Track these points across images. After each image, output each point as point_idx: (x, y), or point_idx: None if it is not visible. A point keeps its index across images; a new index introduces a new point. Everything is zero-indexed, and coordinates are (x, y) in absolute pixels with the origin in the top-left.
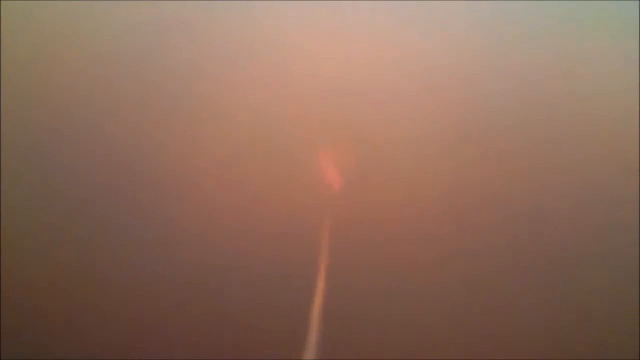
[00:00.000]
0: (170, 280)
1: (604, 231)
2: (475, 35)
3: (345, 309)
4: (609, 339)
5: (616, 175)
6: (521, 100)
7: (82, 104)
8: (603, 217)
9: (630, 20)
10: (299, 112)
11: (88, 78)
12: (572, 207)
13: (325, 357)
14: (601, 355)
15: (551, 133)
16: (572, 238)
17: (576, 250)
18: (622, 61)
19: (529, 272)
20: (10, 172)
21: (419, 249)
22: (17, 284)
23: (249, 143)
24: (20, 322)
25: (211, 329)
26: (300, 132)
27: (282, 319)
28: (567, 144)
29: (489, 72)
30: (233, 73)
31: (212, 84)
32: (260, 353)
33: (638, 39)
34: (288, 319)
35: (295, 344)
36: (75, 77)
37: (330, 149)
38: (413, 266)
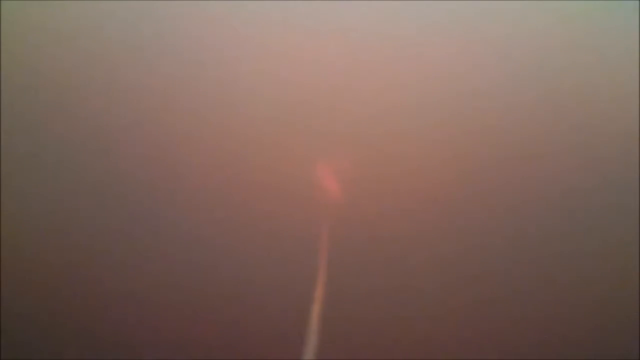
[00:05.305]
0: (168, 281)
1: (603, 230)
2: (472, 34)
3: (344, 310)
4: (608, 338)
5: (616, 175)
6: (519, 100)
7: (80, 102)
8: (603, 215)
9: (631, 20)
10: (296, 116)
11: (86, 76)
12: (571, 205)
13: (324, 357)
14: (601, 355)
15: (551, 131)
16: (571, 238)
17: (575, 250)
18: (622, 61)
19: (529, 273)
20: (9, 172)
21: (418, 250)
22: (17, 284)
23: (246, 146)
24: (20, 322)
25: (209, 329)
26: (297, 136)
27: (281, 320)
28: (566, 143)
29: (487, 71)
30: (229, 76)
31: (209, 86)
32: (259, 353)
33: (638, 38)
34: (287, 321)
35: (294, 346)
36: (73, 75)
37: (328, 153)
38: (413, 268)
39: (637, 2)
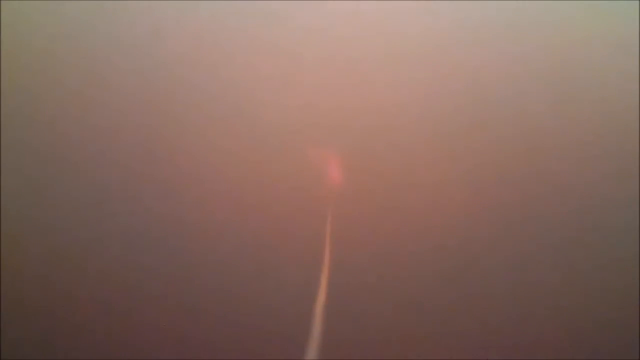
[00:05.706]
0: (171, 279)
1: (603, 230)
2: (474, 32)
3: (347, 307)
4: (608, 338)
5: (616, 175)
6: (519, 99)
7: (83, 103)
8: (603, 215)
9: (630, 20)
10: (300, 111)
11: (91, 78)
12: (571, 204)
13: (326, 356)
14: (601, 355)
15: (550, 129)
16: (570, 237)
17: (575, 250)
18: (622, 60)
19: (528, 271)
20: (10, 172)
21: (420, 244)
22: (17, 284)
23: (250, 141)
24: (20, 322)
25: (212, 328)
26: (302, 129)
27: (284, 318)
28: (565, 142)
29: (489, 68)
30: (233, 72)
31: (213, 82)
32: (261, 352)
33: (638, 38)
34: (290, 318)
35: (296, 343)
36: (76, 76)
37: (331, 146)
38: (415, 262)
39: (637, 2)
